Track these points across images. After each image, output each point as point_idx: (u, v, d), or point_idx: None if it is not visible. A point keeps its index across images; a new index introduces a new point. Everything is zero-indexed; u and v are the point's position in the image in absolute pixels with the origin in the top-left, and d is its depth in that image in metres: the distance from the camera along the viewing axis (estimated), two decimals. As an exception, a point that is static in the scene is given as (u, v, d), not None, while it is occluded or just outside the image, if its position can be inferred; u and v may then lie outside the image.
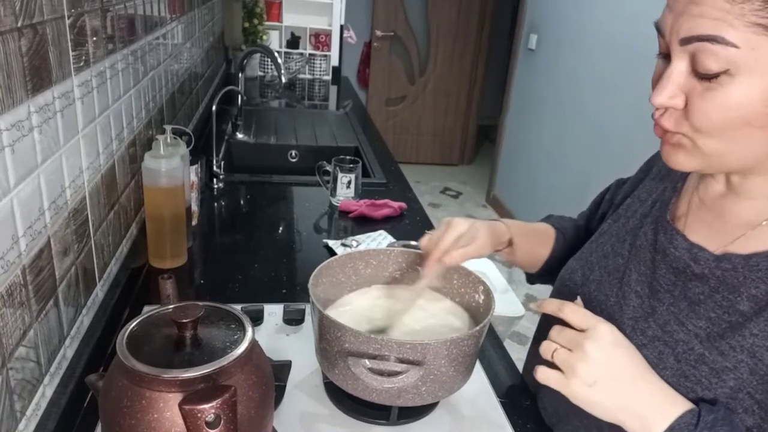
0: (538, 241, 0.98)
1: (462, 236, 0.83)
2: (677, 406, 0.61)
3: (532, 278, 1.04)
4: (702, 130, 0.58)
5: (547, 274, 1.00)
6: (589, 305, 0.77)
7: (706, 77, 0.56)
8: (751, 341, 0.61)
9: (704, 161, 0.62)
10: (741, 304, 0.63)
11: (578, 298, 0.68)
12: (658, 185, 0.80)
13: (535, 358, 0.66)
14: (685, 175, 0.76)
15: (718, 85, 0.56)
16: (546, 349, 0.65)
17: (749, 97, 0.55)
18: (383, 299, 0.92)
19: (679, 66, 0.58)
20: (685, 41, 0.56)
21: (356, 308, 0.90)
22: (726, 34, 0.53)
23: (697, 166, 0.63)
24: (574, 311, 0.64)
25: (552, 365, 0.64)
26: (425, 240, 0.86)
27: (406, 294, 0.89)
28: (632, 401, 0.61)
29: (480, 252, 0.85)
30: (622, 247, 0.78)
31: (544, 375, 0.64)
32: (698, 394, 0.63)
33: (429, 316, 0.89)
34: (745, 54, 0.53)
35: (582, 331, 0.63)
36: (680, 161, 0.63)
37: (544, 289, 0.98)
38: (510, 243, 0.93)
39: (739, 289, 0.63)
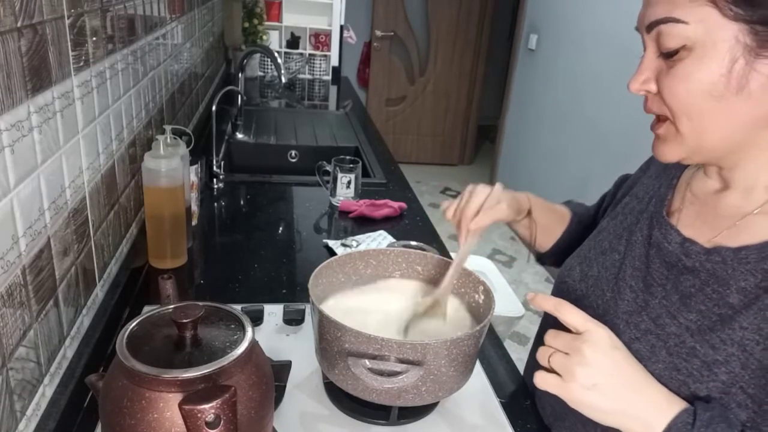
0: (555, 219, 1.00)
1: (487, 199, 0.84)
2: (674, 406, 0.61)
3: (542, 258, 1.04)
4: (673, 108, 0.62)
5: (557, 254, 1.00)
6: (586, 301, 0.78)
7: (669, 56, 0.61)
8: (741, 334, 0.61)
9: (686, 148, 0.65)
10: (730, 296, 0.63)
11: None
12: (654, 182, 0.81)
13: (535, 359, 0.66)
14: (680, 172, 0.77)
15: (679, 60, 0.61)
16: (542, 354, 0.64)
17: (705, 69, 0.59)
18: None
19: (650, 53, 0.64)
20: (649, 28, 0.63)
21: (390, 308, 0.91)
22: (675, 14, 0.59)
23: (680, 155, 0.66)
24: (571, 313, 0.63)
25: (550, 370, 0.63)
26: (450, 211, 0.86)
27: (445, 280, 0.86)
28: (632, 404, 0.61)
29: (505, 215, 0.86)
30: (618, 243, 0.79)
31: (542, 380, 0.63)
32: (690, 387, 0.63)
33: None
34: (695, 28, 0.58)
35: (578, 334, 0.63)
36: (665, 152, 0.67)
37: (544, 290, 0.98)
38: (529, 213, 0.93)
39: (729, 282, 0.63)
